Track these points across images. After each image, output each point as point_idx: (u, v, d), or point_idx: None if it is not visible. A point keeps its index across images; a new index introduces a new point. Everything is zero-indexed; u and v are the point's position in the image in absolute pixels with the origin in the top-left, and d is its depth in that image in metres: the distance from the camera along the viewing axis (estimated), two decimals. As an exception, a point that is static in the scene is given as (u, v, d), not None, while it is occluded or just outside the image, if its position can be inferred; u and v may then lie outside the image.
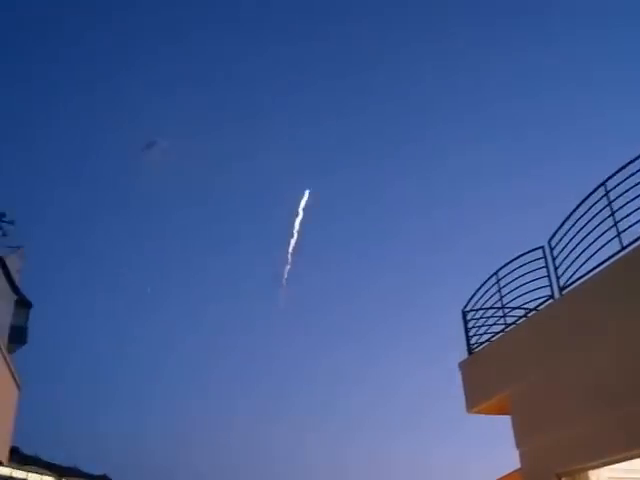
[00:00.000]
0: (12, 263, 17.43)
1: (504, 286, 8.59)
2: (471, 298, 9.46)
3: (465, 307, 9.62)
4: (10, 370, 10.80)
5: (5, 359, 10.32)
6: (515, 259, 8.45)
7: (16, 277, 17.58)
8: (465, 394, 8.95)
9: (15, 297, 17.30)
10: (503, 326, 8.85)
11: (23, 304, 18.30)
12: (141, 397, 31.92)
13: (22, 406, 12.22)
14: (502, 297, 8.58)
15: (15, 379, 11.29)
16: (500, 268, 8.66)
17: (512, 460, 8.31)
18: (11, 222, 19.51)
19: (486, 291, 9.13)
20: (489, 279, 8.97)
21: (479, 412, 8.94)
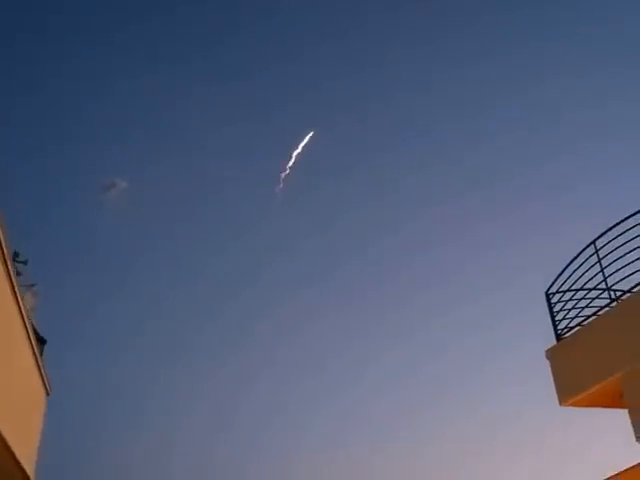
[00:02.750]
0: (27, 301, 16.67)
1: (603, 257, 7.58)
2: (557, 278, 8.47)
3: (549, 289, 8.62)
4: (40, 372, 9.85)
5: (36, 359, 9.36)
6: (615, 226, 7.45)
7: (30, 315, 16.74)
8: (556, 385, 7.92)
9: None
10: (599, 307, 7.85)
11: (38, 341, 17.49)
12: (167, 431, 30.51)
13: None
14: (603, 271, 7.56)
15: (45, 383, 10.33)
16: (597, 238, 7.64)
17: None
18: (24, 262, 18.76)
19: (575, 269, 8.15)
20: (580, 254, 7.98)
21: (575, 404, 7.89)
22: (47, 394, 10.85)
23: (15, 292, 7.42)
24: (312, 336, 32.02)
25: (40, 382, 10.17)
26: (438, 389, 30.48)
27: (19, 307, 7.83)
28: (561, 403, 7.89)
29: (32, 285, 19.03)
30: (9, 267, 7.08)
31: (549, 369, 8.14)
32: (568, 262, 8.29)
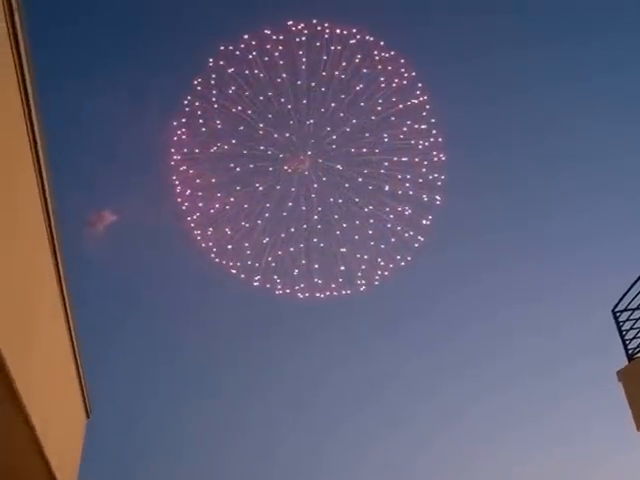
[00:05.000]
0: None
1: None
2: (624, 296, 8.04)
3: (615, 307, 8.19)
4: (83, 392, 9.61)
5: (79, 378, 9.13)
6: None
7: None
8: (633, 409, 7.42)
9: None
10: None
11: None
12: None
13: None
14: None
15: (86, 404, 10.08)
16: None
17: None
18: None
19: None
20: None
21: (653, 430, 7.38)
22: (87, 416, 10.60)
23: (66, 309, 7.25)
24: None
25: (82, 403, 9.92)
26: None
27: (68, 321, 7.65)
28: (639, 429, 7.39)
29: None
30: (62, 277, 6.91)
31: (621, 392, 7.67)
32: (636, 279, 7.89)
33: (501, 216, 30.96)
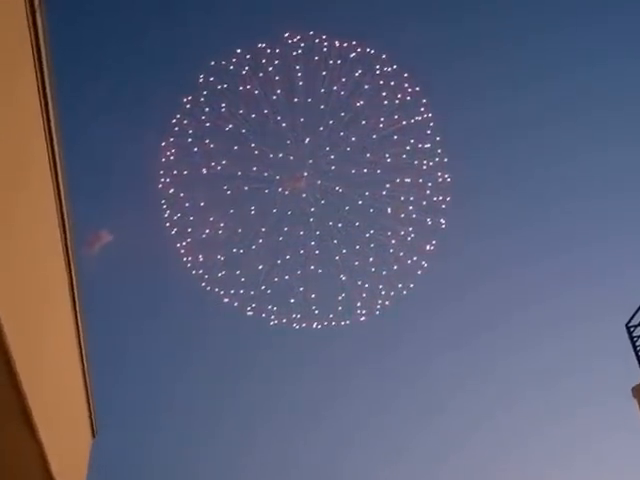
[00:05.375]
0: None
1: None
2: (637, 311, 7.99)
3: (629, 321, 8.13)
4: (90, 410, 9.50)
5: (87, 395, 9.03)
6: None
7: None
8: (648, 425, 7.33)
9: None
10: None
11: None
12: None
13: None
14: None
15: (93, 423, 9.96)
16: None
17: None
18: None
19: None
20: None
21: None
22: (93, 436, 10.46)
23: (77, 318, 7.19)
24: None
25: (88, 422, 9.80)
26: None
27: (78, 335, 7.58)
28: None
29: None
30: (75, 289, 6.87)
31: (636, 408, 7.58)
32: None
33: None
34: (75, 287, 6.86)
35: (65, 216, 6.04)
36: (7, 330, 4.71)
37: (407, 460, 29.02)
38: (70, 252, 6.54)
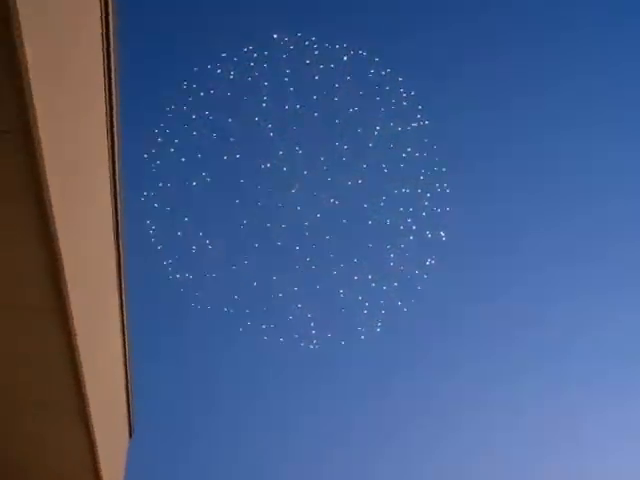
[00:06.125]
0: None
1: None
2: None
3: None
4: (128, 409, 9.47)
5: (127, 392, 9.00)
6: None
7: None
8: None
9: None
10: None
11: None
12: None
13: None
14: None
15: (130, 422, 9.93)
16: None
17: None
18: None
19: None
20: None
21: None
22: (130, 436, 10.43)
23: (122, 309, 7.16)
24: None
25: (126, 421, 9.77)
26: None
27: (124, 342, 7.54)
28: None
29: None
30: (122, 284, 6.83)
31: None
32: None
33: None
34: (123, 281, 6.82)
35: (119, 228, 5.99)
36: (78, 331, 4.67)
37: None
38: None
